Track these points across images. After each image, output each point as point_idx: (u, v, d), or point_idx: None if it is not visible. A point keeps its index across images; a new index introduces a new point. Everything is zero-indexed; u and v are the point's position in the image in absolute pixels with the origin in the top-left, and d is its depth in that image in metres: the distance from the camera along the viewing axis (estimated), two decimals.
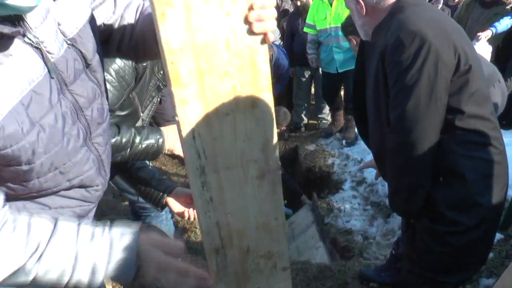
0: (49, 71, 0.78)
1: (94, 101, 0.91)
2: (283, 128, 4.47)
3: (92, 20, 0.93)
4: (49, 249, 0.79)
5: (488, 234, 1.53)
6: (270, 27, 0.79)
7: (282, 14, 5.88)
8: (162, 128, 1.66)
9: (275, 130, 0.93)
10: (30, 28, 0.76)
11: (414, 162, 1.43)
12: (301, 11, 5.03)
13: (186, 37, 0.76)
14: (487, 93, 1.49)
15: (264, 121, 0.89)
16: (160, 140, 1.61)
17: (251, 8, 0.76)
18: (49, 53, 0.79)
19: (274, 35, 0.83)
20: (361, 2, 1.55)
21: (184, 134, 0.85)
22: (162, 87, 1.81)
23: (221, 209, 0.95)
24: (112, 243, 0.84)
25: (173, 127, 1.61)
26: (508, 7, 4.51)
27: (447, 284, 1.59)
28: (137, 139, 1.56)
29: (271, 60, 5.01)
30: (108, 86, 1.44)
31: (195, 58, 0.79)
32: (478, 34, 4.25)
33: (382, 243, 3.16)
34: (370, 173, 4.02)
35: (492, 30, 4.32)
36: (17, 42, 0.73)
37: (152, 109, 1.85)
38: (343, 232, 3.43)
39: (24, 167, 0.77)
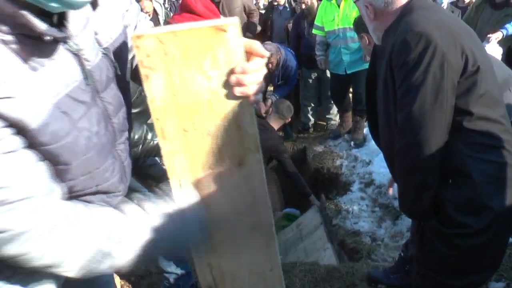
0: (86, 78, 0.81)
1: (120, 109, 0.94)
2: (287, 120, 4.49)
3: (124, 32, 0.96)
4: (125, 230, 0.82)
5: (499, 238, 1.50)
6: (252, 91, 0.80)
7: (290, 15, 5.88)
8: None
9: (266, 187, 0.93)
10: (71, 35, 0.79)
11: (421, 163, 1.43)
12: (306, 14, 5.01)
13: (169, 98, 0.80)
14: (498, 95, 1.48)
15: (253, 179, 0.90)
16: None
17: (232, 72, 0.78)
18: (86, 60, 0.82)
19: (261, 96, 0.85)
20: (370, 6, 1.56)
21: (171, 181, 0.88)
22: None
23: (212, 251, 0.97)
24: (183, 215, 0.88)
25: None
26: None
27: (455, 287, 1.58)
28: (149, 136, 1.58)
29: (279, 63, 5.05)
30: None
31: (179, 117, 0.82)
32: (489, 35, 4.21)
33: (390, 245, 3.15)
34: (379, 175, 4.00)
35: (503, 32, 4.28)
36: (59, 47, 0.76)
37: None
38: (351, 233, 3.43)
39: (61, 167, 0.79)
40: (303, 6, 4.96)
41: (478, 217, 1.43)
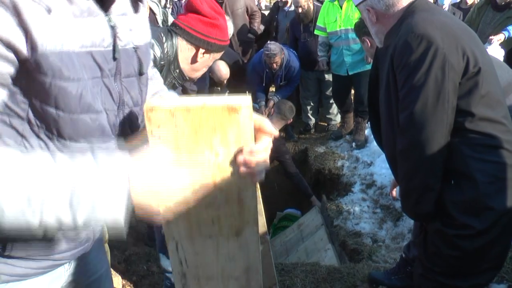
0: (114, 51, 0.84)
1: (135, 106, 0.95)
2: (289, 121, 4.50)
3: (149, 47, 1.02)
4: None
5: (502, 238, 1.50)
6: (257, 170, 0.81)
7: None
8: None
9: (259, 256, 0.95)
10: (112, 12, 0.84)
11: (423, 164, 1.44)
12: (302, 18, 5.01)
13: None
14: (500, 96, 1.49)
15: (248, 248, 0.92)
16: None
17: (240, 151, 0.79)
18: (119, 39, 0.86)
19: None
20: (371, 10, 1.58)
21: (168, 243, 0.89)
22: (177, 85, 1.86)
23: None
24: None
25: None
26: None
27: None
28: None
29: (282, 63, 5.05)
30: None
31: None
32: (491, 37, 4.22)
33: (391, 246, 3.16)
34: (380, 176, 4.01)
35: (504, 34, 4.29)
36: (101, 15, 0.82)
37: None
38: (352, 234, 3.43)
39: (60, 113, 0.76)
40: (300, 10, 4.94)
41: (481, 218, 1.43)
